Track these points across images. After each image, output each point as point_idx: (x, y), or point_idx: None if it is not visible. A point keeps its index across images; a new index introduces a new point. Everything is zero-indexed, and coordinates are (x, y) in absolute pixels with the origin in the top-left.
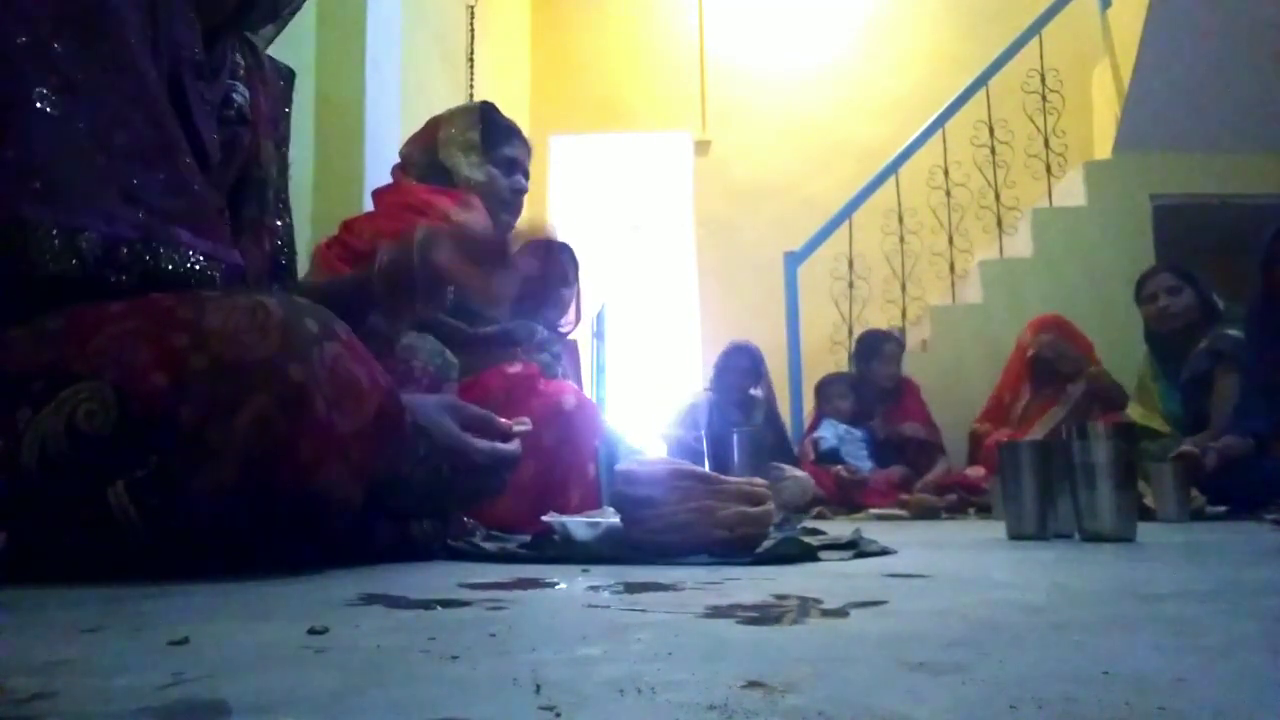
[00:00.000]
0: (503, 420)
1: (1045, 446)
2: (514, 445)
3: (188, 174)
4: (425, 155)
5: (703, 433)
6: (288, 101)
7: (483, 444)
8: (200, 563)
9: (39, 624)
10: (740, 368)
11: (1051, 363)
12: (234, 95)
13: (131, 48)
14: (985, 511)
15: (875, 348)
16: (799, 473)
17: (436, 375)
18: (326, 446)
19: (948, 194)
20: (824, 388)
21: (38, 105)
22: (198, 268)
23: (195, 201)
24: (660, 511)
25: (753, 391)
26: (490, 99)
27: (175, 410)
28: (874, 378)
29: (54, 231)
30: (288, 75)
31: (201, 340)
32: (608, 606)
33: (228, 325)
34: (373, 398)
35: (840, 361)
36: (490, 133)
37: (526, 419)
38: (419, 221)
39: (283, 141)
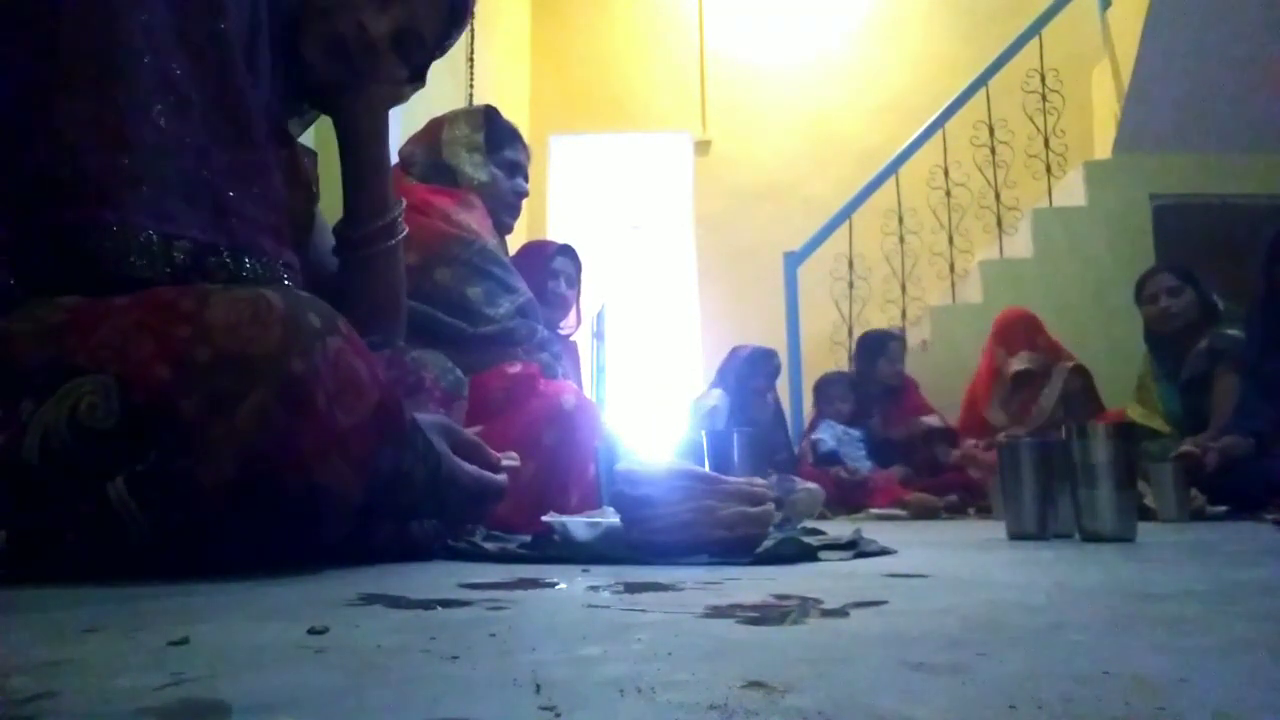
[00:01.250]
0: (493, 453)
1: (1045, 446)
2: (501, 477)
3: (282, 190)
4: (428, 155)
5: (702, 432)
6: (316, 181)
7: (470, 469)
8: (201, 560)
9: (39, 624)
10: (768, 372)
11: (1033, 372)
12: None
13: (237, 81)
14: (985, 512)
15: (880, 346)
16: (810, 485)
17: (448, 392)
18: (326, 441)
19: (948, 194)
20: (824, 388)
21: (154, 120)
22: (278, 273)
23: (284, 217)
24: (660, 511)
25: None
26: (490, 99)
27: (177, 403)
28: (879, 377)
29: (154, 237)
30: (313, 155)
31: (204, 333)
32: (608, 606)
33: (230, 318)
34: (372, 392)
35: (840, 361)
36: (494, 135)
37: (515, 455)
38: (419, 220)
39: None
